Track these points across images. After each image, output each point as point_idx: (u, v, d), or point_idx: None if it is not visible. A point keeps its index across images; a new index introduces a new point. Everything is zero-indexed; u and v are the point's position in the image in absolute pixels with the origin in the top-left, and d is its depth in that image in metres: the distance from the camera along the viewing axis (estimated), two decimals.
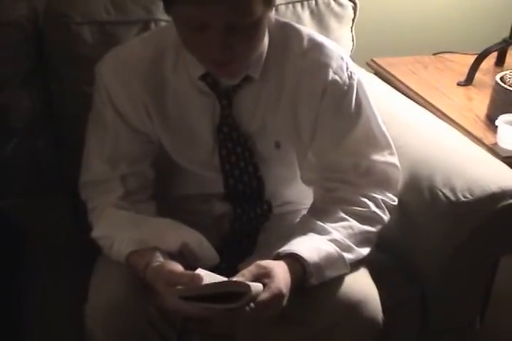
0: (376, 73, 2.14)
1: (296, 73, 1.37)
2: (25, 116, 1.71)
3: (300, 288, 1.27)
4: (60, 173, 1.76)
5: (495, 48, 2.08)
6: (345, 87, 1.38)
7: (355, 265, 1.35)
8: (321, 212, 1.38)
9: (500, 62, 2.17)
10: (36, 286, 1.46)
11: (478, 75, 2.06)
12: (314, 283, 1.29)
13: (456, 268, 1.50)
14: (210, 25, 1.20)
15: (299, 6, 1.81)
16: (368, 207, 1.38)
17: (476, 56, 2.07)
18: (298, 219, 1.47)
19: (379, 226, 1.39)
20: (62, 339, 1.40)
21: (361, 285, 1.33)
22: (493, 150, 1.70)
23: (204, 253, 1.35)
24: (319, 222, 1.35)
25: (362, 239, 1.36)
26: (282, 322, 1.29)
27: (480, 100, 1.95)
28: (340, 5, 1.84)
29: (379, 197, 1.40)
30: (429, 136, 1.64)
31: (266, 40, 1.35)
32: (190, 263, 1.29)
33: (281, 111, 1.40)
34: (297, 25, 1.43)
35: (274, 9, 1.29)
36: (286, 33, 1.39)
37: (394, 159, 1.44)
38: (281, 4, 1.77)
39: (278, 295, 1.20)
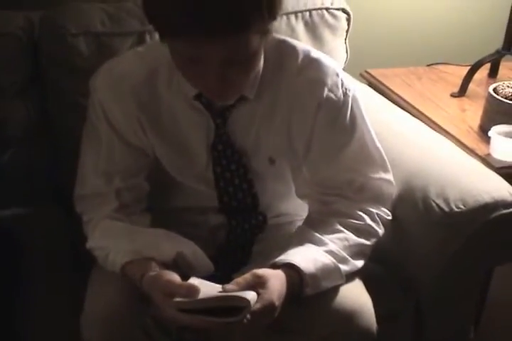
0: (370, 84, 2.15)
1: (290, 91, 1.37)
2: (21, 126, 1.71)
3: (295, 298, 1.28)
4: (56, 183, 1.76)
5: (488, 59, 2.09)
6: (340, 104, 1.38)
7: (350, 276, 1.35)
8: (318, 223, 1.39)
9: (493, 73, 2.18)
10: (33, 296, 1.46)
11: (471, 86, 2.07)
12: (310, 293, 1.29)
13: (450, 278, 1.51)
14: (204, 61, 1.19)
15: (293, 17, 1.81)
16: (363, 220, 1.39)
17: (469, 67, 2.07)
18: (293, 230, 1.47)
19: (374, 240, 1.40)
20: None
21: (355, 295, 1.34)
22: (486, 160, 1.70)
23: (199, 263, 1.35)
24: (316, 233, 1.35)
25: (357, 252, 1.36)
26: (277, 331, 1.29)
27: (473, 111, 1.96)
28: (334, 16, 1.85)
29: (374, 211, 1.41)
30: (422, 147, 1.65)
31: (261, 61, 1.34)
32: (185, 273, 1.29)
33: (276, 127, 1.40)
34: (293, 42, 1.41)
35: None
36: (282, 51, 1.38)
37: (388, 175, 1.45)
38: None
39: (269, 307, 1.20)
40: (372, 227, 1.39)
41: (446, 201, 1.45)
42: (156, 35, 1.65)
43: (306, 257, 1.30)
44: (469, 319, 1.66)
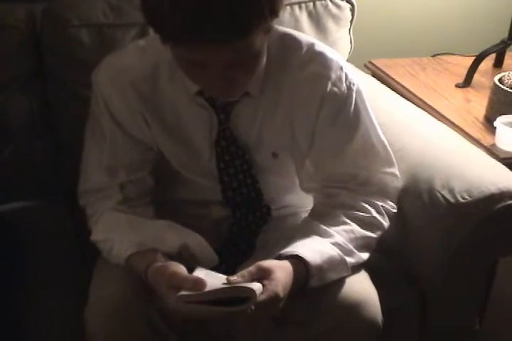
0: (374, 75, 2.14)
1: (294, 85, 1.37)
2: (24, 119, 1.71)
3: (301, 290, 1.27)
4: (59, 176, 1.76)
5: (493, 50, 2.08)
6: (344, 98, 1.37)
7: (355, 267, 1.35)
8: (323, 215, 1.38)
9: (498, 63, 2.17)
10: (36, 289, 1.46)
11: (476, 77, 2.06)
12: (315, 285, 1.29)
13: (455, 269, 1.50)
14: (208, 64, 1.18)
15: (296, 8, 1.81)
16: (369, 212, 1.38)
17: (474, 58, 2.06)
18: (298, 222, 1.47)
19: (379, 232, 1.39)
20: None
21: (361, 287, 1.33)
22: (492, 151, 1.70)
23: (203, 255, 1.35)
24: (322, 225, 1.35)
25: (362, 244, 1.36)
26: (282, 323, 1.29)
27: (478, 102, 1.95)
28: (338, 7, 1.84)
29: (379, 203, 1.40)
30: (427, 137, 1.64)
31: (265, 57, 1.32)
32: (189, 265, 1.29)
33: (279, 122, 1.40)
34: (296, 35, 1.40)
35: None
36: (285, 45, 1.38)
37: (393, 169, 1.45)
38: None
39: (274, 299, 1.19)
40: (378, 219, 1.39)
41: (452, 192, 1.44)
42: None
43: (312, 249, 1.29)
44: (474, 311, 1.66)
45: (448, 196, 1.44)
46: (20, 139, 1.72)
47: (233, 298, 1.16)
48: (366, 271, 1.39)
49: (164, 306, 1.21)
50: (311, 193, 1.48)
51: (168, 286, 1.21)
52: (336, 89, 1.36)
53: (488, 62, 2.12)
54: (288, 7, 1.79)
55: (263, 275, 1.21)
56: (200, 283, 1.18)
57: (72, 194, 1.51)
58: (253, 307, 1.16)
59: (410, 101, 1.89)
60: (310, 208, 1.47)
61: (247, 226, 1.51)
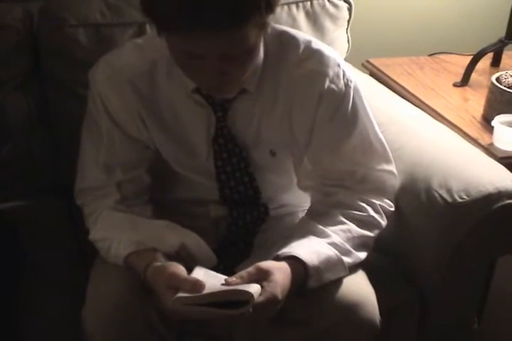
0: (371, 74, 2.14)
1: (291, 82, 1.37)
2: (22, 118, 1.71)
3: (299, 290, 1.27)
4: (57, 175, 1.76)
5: (491, 49, 2.08)
6: (342, 95, 1.37)
7: (353, 267, 1.35)
8: (320, 215, 1.38)
9: (496, 62, 2.17)
10: (34, 289, 1.46)
11: (474, 76, 2.06)
12: (313, 286, 1.29)
13: (453, 268, 1.50)
14: (202, 56, 1.18)
15: (294, 7, 1.80)
16: (366, 211, 1.38)
17: (471, 57, 2.06)
18: (295, 221, 1.47)
19: (376, 231, 1.39)
20: None
21: (359, 287, 1.33)
22: (489, 150, 1.69)
23: (202, 255, 1.35)
24: (319, 225, 1.35)
25: (360, 243, 1.36)
26: (280, 323, 1.29)
27: (476, 101, 1.95)
28: (336, 6, 1.84)
29: (377, 202, 1.40)
30: (425, 137, 1.64)
31: (261, 53, 1.34)
32: (188, 265, 1.29)
33: (276, 119, 1.40)
34: (293, 33, 1.40)
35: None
36: (282, 43, 1.38)
37: (390, 166, 1.45)
38: None
39: (273, 300, 1.19)
40: (375, 218, 1.39)
41: (449, 191, 1.44)
42: None
43: (310, 249, 1.29)
44: (473, 310, 1.66)
45: (446, 195, 1.44)
46: (18, 138, 1.72)
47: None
48: (364, 270, 1.39)
49: (162, 306, 1.21)
50: (309, 192, 1.48)
51: (166, 287, 1.21)
52: (333, 86, 1.36)
53: (485, 61, 2.12)
54: (285, 6, 1.78)
55: (262, 277, 1.21)
56: (198, 285, 1.18)
57: (70, 193, 1.51)
58: (251, 310, 1.16)
59: (408, 101, 1.89)
60: (307, 207, 1.47)
61: (244, 226, 1.51)
